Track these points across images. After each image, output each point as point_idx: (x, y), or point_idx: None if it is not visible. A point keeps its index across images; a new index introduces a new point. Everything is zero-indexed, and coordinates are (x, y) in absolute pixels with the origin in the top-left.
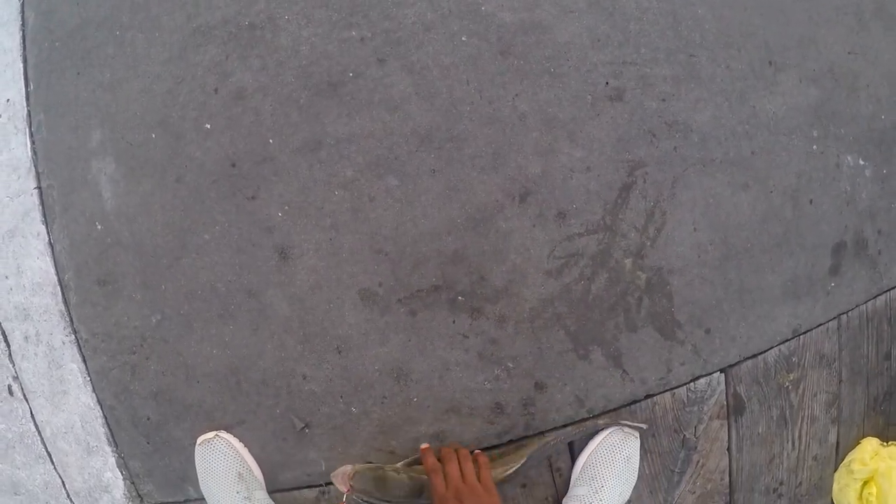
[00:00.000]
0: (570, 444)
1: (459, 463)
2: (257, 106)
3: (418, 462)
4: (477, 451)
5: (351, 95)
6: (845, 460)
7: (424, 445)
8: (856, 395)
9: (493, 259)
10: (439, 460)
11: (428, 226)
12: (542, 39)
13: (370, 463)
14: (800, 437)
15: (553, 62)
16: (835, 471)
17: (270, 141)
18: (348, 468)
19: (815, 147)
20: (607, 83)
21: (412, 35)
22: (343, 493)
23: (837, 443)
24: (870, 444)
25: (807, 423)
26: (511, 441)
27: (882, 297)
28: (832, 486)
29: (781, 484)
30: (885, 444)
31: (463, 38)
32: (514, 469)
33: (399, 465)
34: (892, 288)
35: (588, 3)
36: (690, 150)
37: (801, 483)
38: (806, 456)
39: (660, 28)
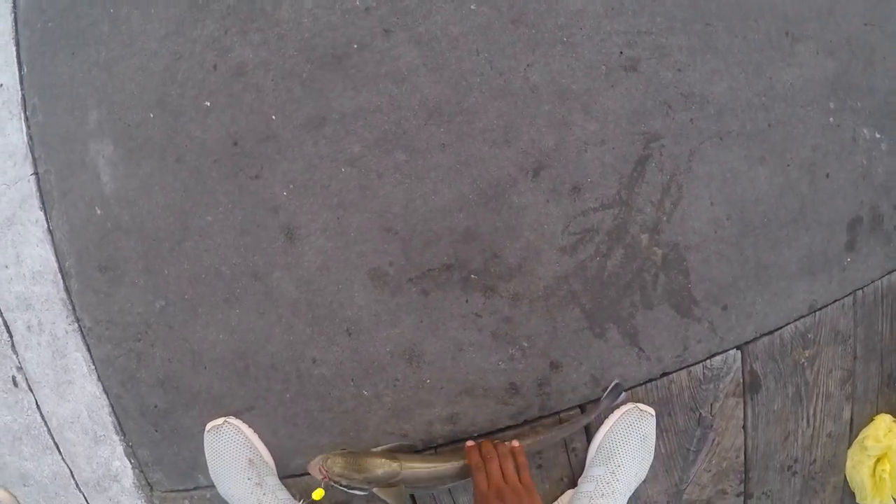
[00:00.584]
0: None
1: (500, 462)
2: (259, 82)
3: (398, 450)
4: (515, 444)
5: (356, 68)
6: (859, 437)
7: (469, 443)
8: (870, 371)
9: (507, 236)
10: (482, 458)
11: (439, 202)
12: (555, 7)
13: (343, 449)
14: (814, 414)
15: (566, 31)
16: (848, 448)
17: (273, 118)
18: (319, 457)
19: (831, 120)
20: (622, 53)
21: (419, 4)
22: (320, 482)
23: (851, 420)
24: (883, 421)
25: (822, 401)
26: (526, 422)
27: None
28: (846, 463)
29: (796, 461)
30: None
31: (472, 7)
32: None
33: (375, 450)
34: None
35: None
36: (707, 122)
37: (815, 460)
38: (820, 433)
39: None
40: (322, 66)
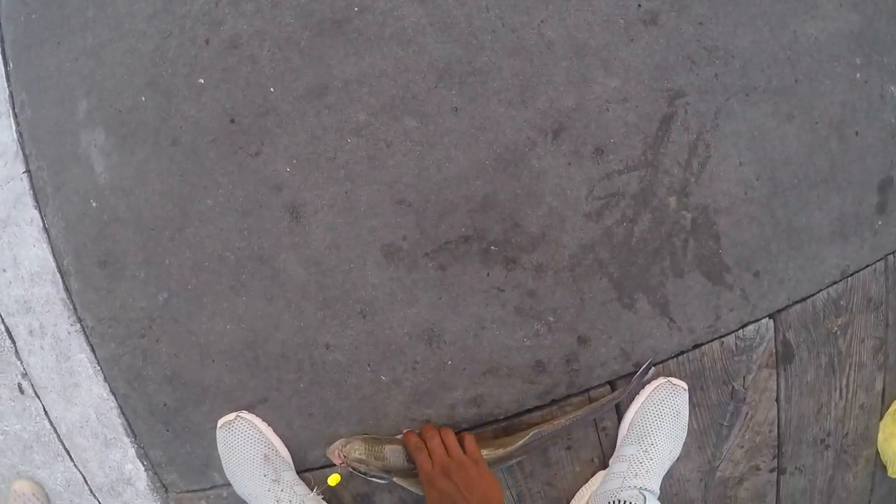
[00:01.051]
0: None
1: (442, 439)
2: (254, 53)
3: None
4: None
5: (358, 32)
6: (891, 409)
7: (405, 430)
8: None
9: (527, 203)
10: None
11: (453, 170)
12: None
13: (365, 434)
14: (847, 385)
15: None
16: (880, 420)
17: (271, 90)
18: (340, 441)
19: (858, 75)
20: (640, 5)
21: None
22: (338, 468)
23: (883, 390)
24: None
25: (854, 371)
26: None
27: None
28: (878, 435)
29: (829, 434)
30: None
31: None
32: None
33: (398, 437)
34: None
35: None
36: (732, 77)
37: (847, 433)
38: (853, 405)
39: None
40: (321, 31)
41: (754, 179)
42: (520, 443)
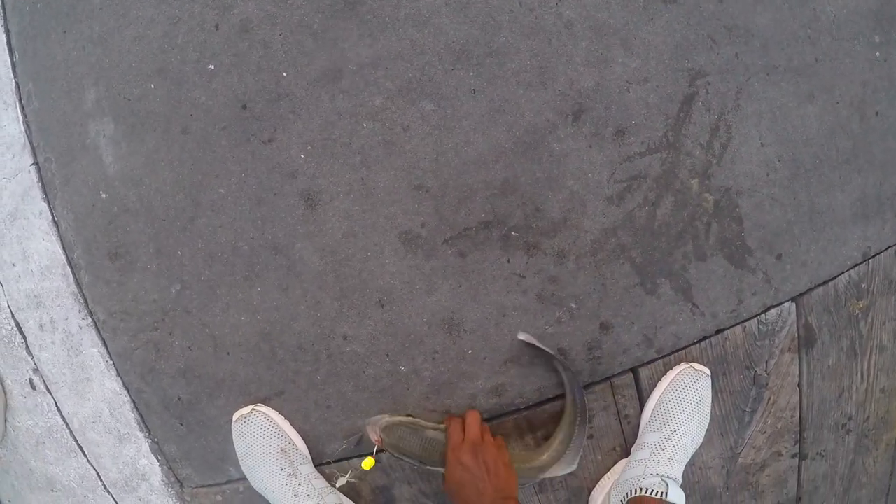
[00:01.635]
0: (638, 387)
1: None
2: (265, 38)
3: None
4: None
5: (372, 13)
6: None
7: (448, 416)
8: None
9: (548, 187)
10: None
11: (472, 154)
12: None
13: (409, 416)
14: (868, 368)
15: None
16: None
17: (284, 75)
18: (384, 418)
19: (878, 54)
20: None
21: None
22: (374, 446)
23: None
24: None
25: (875, 354)
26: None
27: None
28: None
29: (850, 419)
30: None
31: None
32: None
33: (440, 424)
34: None
35: None
36: (752, 56)
37: (868, 417)
38: (874, 388)
39: None
40: (334, 14)
41: (776, 160)
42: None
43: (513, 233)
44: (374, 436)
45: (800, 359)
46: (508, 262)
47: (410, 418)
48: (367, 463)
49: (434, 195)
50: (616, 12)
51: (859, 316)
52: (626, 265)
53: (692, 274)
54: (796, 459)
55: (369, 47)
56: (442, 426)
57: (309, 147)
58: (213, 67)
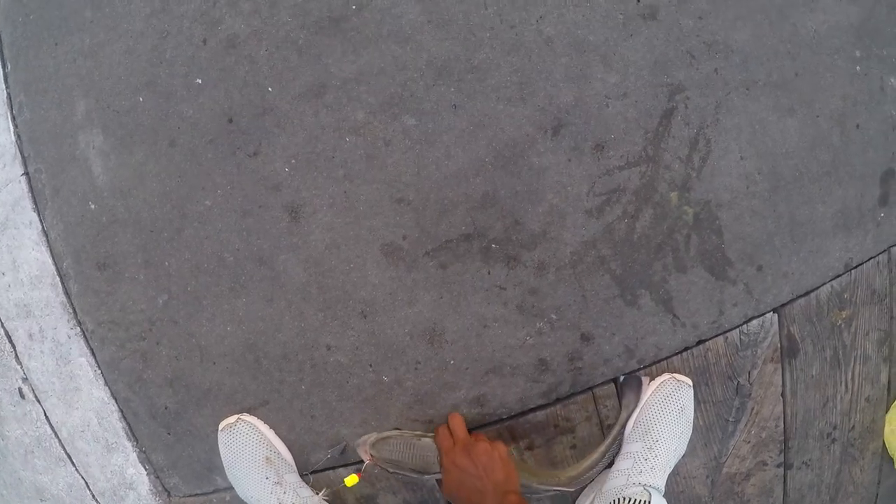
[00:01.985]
0: (620, 397)
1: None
2: (251, 53)
3: None
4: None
5: (355, 30)
6: None
7: (437, 427)
8: None
9: (528, 200)
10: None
11: (453, 168)
12: None
13: (397, 430)
14: (853, 378)
15: None
16: (886, 412)
17: (269, 90)
18: (372, 436)
19: (858, 68)
20: (639, 1)
21: None
22: (364, 463)
23: (889, 383)
24: None
25: (859, 364)
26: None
27: None
28: (884, 428)
29: (835, 428)
30: None
31: None
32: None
33: (430, 433)
34: None
35: None
36: (732, 71)
37: (853, 426)
38: (859, 398)
39: None
40: (318, 30)
41: (756, 173)
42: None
43: (493, 245)
44: (365, 455)
45: (783, 369)
46: (489, 273)
47: (398, 431)
48: (351, 480)
49: (415, 208)
50: (596, 29)
51: (842, 326)
52: (606, 277)
53: (672, 285)
54: (781, 469)
55: (352, 63)
56: (431, 434)
57: (293, 160)
58: (200, 81)
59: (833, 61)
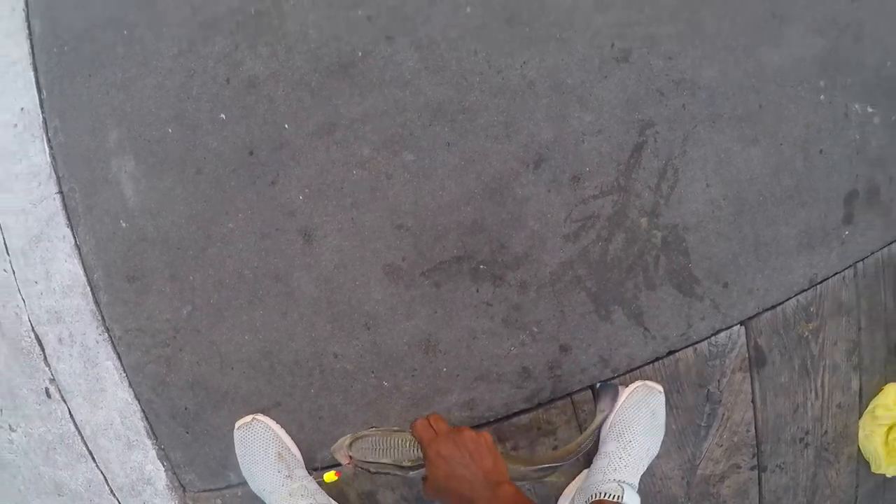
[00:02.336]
0: (596, 402)
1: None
2: (270, 93)
3: None
4: None
5: (362, 75)
6: (869, 407)
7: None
8: (875, 342)
9: (512, 226)
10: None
11: (446, 198)
12: (547, 5)
13: (373, 428)
14: (822, 385)
15: (559, 28)
16: (859, 418)
17: (286, 126)
18: (347, 438)
19: (822, 97)
20: (613, 45)
21: (418, 10)
22: (344, 467)
23: (860, 390)
24: (893, 390)
25: (828, 372)
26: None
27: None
28: (858, 433)
29: (807, 433)
30: None
31: (468, 10)
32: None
33: (405, 429)
34: None
35: None
36: (699, 106)
37: (826, 431)
38: (830, 404)
39: None
40: (329, 74)
41: (721, 199)
42: (542, 466)
43: (481, 266)
44: (343, 458)
45: (752, 377)
46: (477, 291)
47: (374, 428)
48: (329, 476)
49: (413, 233)
50: (574, 72)
51: (809, 337)
52: (582, 294)
53: (643, 301)
54: (755, 471)
55: (359, 105)
56: (407, 429)
57: (307, 190)
58: (224, 117)
59: (797, 92)
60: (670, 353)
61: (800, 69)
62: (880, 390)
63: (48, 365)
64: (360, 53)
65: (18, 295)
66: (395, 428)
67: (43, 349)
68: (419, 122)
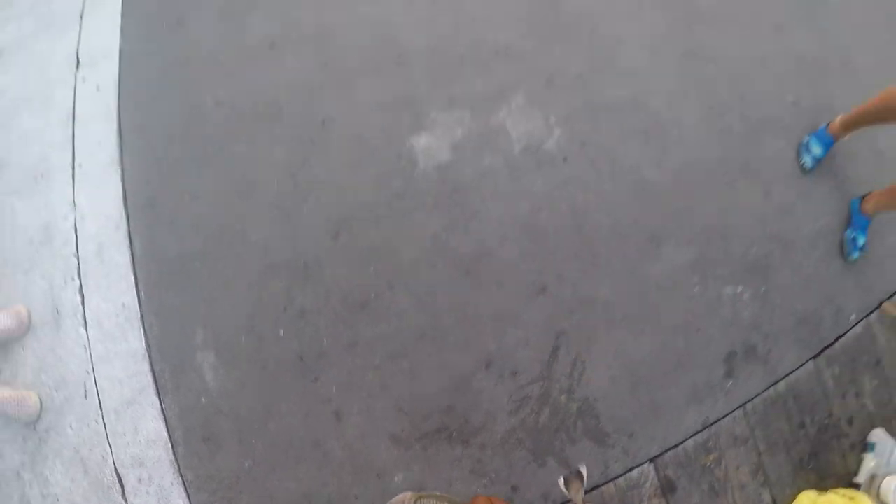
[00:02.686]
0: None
1: None
2: (314, 320)
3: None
4: None
5: (375, 310)
6: None
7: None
8: (778, 461)
9: (473, 408)
10: None
11: (430, 390)
12: (490, 261)
13: (436, 493)
14: (734, 502)
15: (498, 275)
16: None
17: (325, 342)
18: (408, 495)
19: (696, 290)
20: (534, 282)
21: (409, 268)
22: None
23: (774, 501)
24: (807, 497)
25: (737, 491)
26: None
27: (781, 383)
28: None
29: None
30: (822, 492)
31: (439, 267)
32: None
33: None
34: (789, 374)
35: (519, 230)
36: (597, 315)
37: None
38: None
39: (568, 238)
40: (353, 309)
41: (620, 377)
42: None
43: (454, 434)
44: None
45: (667, 501)
46: (452, 451)
47: (437, 493)
48: None
49: (408, 414)
50: (510, 303)
51: (712, 465)
52: (524, 450)
53: (569, 452)
54: None
55: (373, 329)
56: (468, 502)
57: (339, 384)
58: (282, 333)
59: (675, 292)
60: (595, 487)
61: (676, 274)
62: (794, 499)
63: (125, 499)
64: (372, 296)
65: (107, 444)
66: (458, 499)
67: (122, 486)
68: (411, 340)
